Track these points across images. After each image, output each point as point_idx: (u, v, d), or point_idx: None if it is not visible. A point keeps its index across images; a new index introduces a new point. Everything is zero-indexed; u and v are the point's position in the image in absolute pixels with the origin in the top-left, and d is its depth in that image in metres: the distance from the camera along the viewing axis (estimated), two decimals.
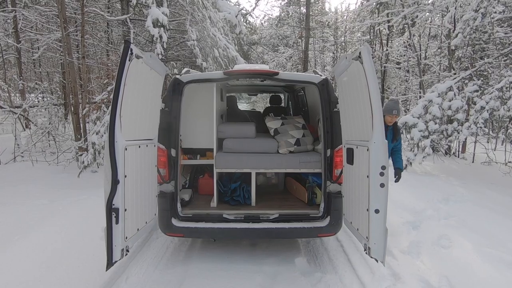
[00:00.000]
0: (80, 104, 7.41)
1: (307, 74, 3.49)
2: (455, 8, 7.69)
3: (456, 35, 7.45)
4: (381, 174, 2.17)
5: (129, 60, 2.13)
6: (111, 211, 2.12)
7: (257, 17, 30.30)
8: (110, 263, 2.15)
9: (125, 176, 2.23)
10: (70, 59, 7.78)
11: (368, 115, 2.23)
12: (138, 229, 2.53)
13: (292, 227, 3.12)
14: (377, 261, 2.26)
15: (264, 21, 22.28)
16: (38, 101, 11.02)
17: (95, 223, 3.62)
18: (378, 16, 12.12)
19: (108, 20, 7.83)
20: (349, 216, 2.87)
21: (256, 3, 18.11)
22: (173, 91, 3.16)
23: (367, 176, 2.26)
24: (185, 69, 3.54)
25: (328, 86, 3.25)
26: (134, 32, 7.63)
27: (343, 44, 19.46)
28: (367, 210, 2.27)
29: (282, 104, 6.75)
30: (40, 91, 9.52)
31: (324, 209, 3.27)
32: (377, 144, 2.20)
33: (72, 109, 7.69)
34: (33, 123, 9.45)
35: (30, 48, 13.57)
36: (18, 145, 7.55)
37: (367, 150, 2.27)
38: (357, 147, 2.57)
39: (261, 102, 20.67)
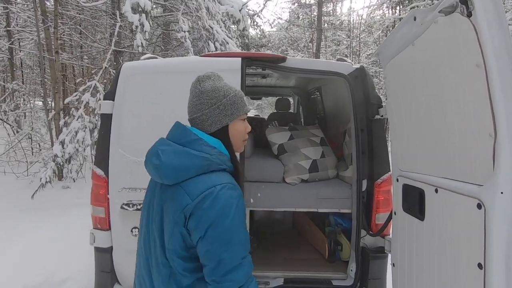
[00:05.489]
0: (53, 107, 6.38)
1: (331, 62, 2.28)
2: None
3: None
4: None
5: None
6: None
7: (267, 19, 29.33)
8: None
9: None
10: (50, 56, 6.82)
11: (483, 127, 1.00)
12: None
13: None
14: None
15: (273, 25, 21.35)
16: (25, 105, 10.21)
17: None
18: (403, 10, 10.88)
19: (82, 6, 6.85)
20: None
21: (264, 4, 17.27)
22: (118, 85, 2.01)
23: (480, 265, 1.02)
24: (147, 55, 2.37)
25: (366, 79, 2.04)
26: (120, 25, 6.60)
27: (357, 48, 18.12)
28: None
29: (291, 110, 5.53)
30: (22, 93, 8.64)
31: (356, 274, 2.06)
32: (509, 197, 0.95)
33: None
34: (12, 127, 8.55)
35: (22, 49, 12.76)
36: None
37: (480, 207, 1.02)
38: (436, 191, 1.32)
39: (268, 109, 19.51)
